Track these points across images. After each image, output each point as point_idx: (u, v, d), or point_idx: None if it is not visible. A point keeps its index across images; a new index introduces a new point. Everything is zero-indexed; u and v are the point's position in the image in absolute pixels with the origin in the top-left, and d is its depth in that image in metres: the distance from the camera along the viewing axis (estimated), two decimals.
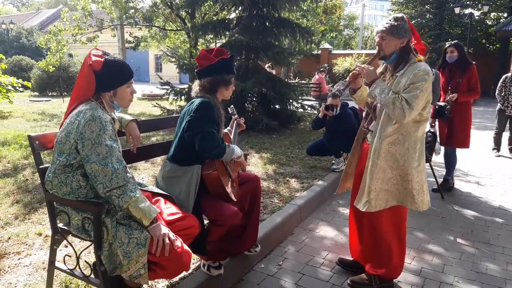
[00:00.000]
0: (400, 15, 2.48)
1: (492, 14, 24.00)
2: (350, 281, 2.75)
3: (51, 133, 2.20)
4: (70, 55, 19.34)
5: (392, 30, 2.40)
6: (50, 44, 12.54)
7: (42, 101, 13.65)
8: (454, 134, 4.68)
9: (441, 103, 4.64)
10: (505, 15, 22.13)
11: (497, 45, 22.57)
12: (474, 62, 4.67)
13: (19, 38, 27.14)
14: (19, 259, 2.77)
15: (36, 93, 16.17)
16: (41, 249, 2.91)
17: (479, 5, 22.72)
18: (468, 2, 23.32)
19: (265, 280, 2.81)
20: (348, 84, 2.67)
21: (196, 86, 2.60)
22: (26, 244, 2.97)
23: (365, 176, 2.54)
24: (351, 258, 2.97)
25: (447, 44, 4.74)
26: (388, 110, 2.38)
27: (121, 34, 14.34)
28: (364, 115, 2.83)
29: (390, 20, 2.44)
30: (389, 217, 2.57)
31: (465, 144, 4.74)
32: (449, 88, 4.66)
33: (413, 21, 24.39)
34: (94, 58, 2.04)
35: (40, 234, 3.12)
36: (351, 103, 4.11)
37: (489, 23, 23.88)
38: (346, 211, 4.10)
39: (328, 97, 5.20)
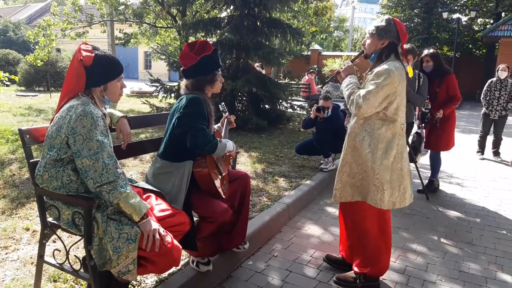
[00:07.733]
0: (387, 17, 2.56)
1: (479, 19, 24.43)
2: (336, 278, 2.81)
3: (42, 127, 2.18)
4: (58, 50, 19.09)
5: (373, 31, 2.53)
6: (39, 38, 12.36)
7: (29, 95, 13.44)
8: (437, 138, 4.76)
9: (424, 110, 4.70)
10: (492, 21, 22.55)
11: (484, 50, 23.01)
12: (451, 70, 4.67)
13: (6, 32, 26.60)
14: (6, 253, 2.75)
15: (23, 88, 15.91)
16: (28, 244, 2.89)
17: (467, 11, 23.11)
18: (456, 8, 23.72)
19: (253, 276, 2.84)
20: (333, 77, 2.89)
21: (183, 84, 2.62)
22: (14, 239, 2.95)
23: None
24: (339, 255, 3.02)
25: (424, 52, 4.68)
26: (348, 104, 2.53)
27: (111, 30, 14.21)
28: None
29: (379, 21, 2.55)
30: (371, 216, 2.62)
31: (447, 147, 4.83)
32: (428, 97, 4.64)
33: None
34: (84, 53, 2.02)
35: (27, 229, 3.11)
36: (342, 105, 4.17)
37: (476, 28, 24.31)
38: (333, 210, 4.16)
39: (320, 99, 5.27)
